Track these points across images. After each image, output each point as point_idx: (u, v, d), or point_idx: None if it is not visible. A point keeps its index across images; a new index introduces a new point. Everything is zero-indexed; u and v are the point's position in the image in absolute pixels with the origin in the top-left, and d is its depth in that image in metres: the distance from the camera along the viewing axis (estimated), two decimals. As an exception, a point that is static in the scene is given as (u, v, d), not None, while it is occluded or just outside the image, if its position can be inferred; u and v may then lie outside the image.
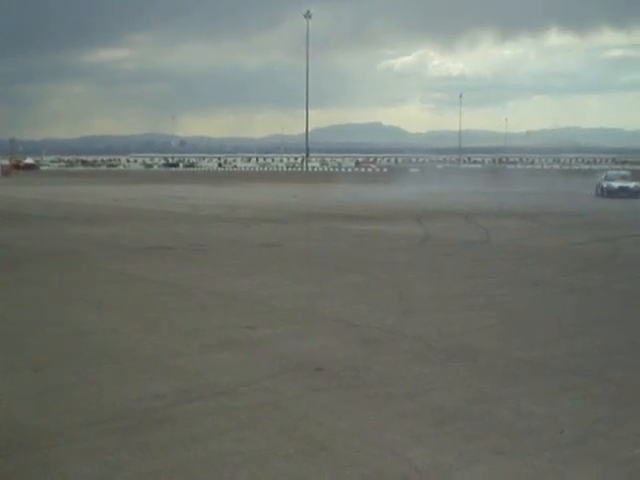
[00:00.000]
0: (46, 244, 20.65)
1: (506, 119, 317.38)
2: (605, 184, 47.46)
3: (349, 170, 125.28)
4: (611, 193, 45.85)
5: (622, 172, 53.70)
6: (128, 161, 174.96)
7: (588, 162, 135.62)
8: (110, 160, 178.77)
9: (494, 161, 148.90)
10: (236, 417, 6.79)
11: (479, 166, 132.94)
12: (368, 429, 6.51)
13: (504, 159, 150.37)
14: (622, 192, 45.41)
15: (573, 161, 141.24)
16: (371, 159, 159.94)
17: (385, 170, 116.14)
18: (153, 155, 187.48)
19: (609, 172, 53.67)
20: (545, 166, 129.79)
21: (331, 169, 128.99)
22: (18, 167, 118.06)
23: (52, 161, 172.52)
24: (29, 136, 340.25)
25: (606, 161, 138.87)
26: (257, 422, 6.67)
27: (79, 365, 8.50)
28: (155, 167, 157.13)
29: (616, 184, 46.82)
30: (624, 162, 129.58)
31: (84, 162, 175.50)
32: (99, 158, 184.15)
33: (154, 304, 12.25)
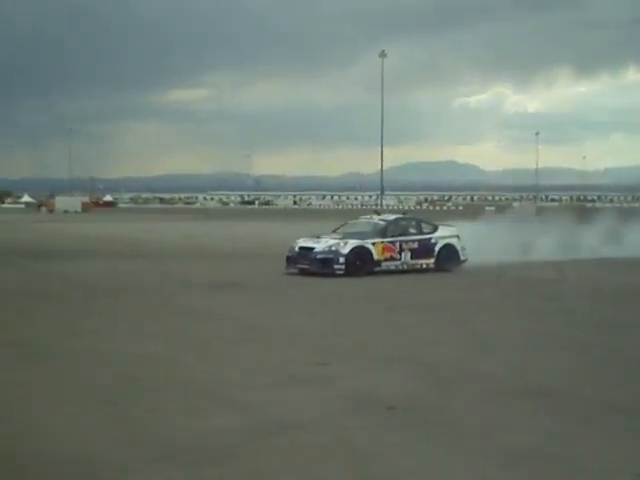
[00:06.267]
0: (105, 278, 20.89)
1: (584, 157, 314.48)
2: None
3: (424, 208, 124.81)
4: (290, 261, 22.68)
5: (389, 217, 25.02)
6: (205, 199, 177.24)
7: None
8: (187, 198, 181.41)
9: (572, 199, 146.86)
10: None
11: (557, 204, 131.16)
12: (438, 469, 6.38)
13: (582, 197, 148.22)
14: (303, 259, 22.27)
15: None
16: (446, 197, 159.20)
17: (461, 208, 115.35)
18: (229, 193, 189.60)
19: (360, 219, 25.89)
20: (624, 204, 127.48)
21: (406, 207, 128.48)
22: (97, 204, 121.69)
23: (131, 198, 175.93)
24: (108, 174, 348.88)
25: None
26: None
27: (148, 398, 8.56)
28: (231, 205, 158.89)
29: (299, 243, 22.95)
30: None
31: (161, 200, 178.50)
32: (176, 196, 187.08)
33: (221, 338, 12.29)
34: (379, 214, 25.42)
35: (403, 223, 24.04)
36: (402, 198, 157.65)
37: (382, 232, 22.78)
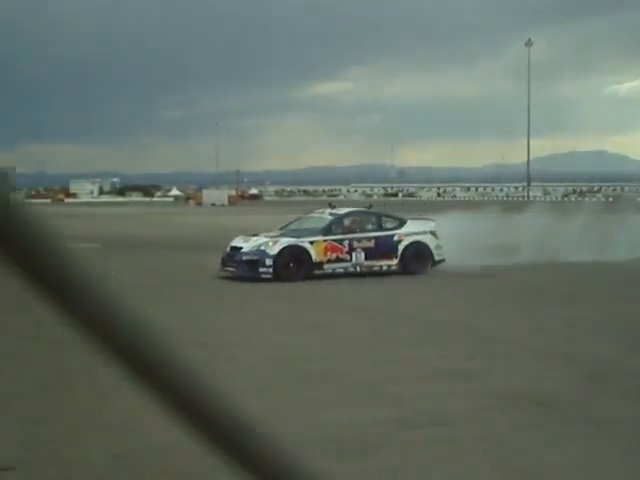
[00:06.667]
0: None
1: None
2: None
3: (572, 199, 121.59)
4: (223, 262, 19.74)
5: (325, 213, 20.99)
6: (348, 191, 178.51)
7: None
8: (331, 190, 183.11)
9: None
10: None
11: None
12: (587, 468, 6.23)
13: None
14: (231, 260, 19.35)
15: None
16: (595, 188, 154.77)
17: (611, 200, 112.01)
18: (373, 185, 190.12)
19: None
20: None
21: (554, 198, 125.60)
22: (243, 197, 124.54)
23: (275, 191, 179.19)
24: (252, 168, 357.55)
25: None
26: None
27: (295, 388, 8.70)
28: (374, 197, 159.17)
29: (233, 242, 20.11)
30: None
31: (305, 192, 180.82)
32: (320, 188, 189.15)
33: (365, 330, 12.35)
34: (333, 207, 21.46)
35: (357, 218, 20.45)
36: (549, 189, 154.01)
37: (325, 229, 19.50)
